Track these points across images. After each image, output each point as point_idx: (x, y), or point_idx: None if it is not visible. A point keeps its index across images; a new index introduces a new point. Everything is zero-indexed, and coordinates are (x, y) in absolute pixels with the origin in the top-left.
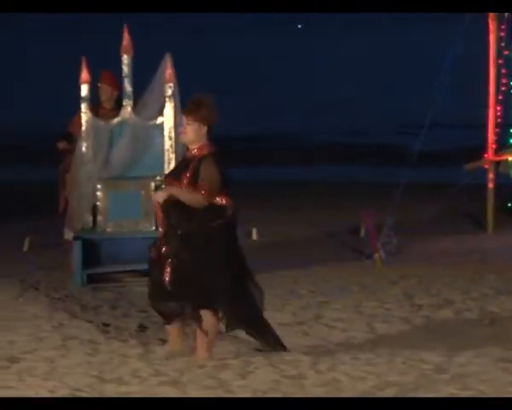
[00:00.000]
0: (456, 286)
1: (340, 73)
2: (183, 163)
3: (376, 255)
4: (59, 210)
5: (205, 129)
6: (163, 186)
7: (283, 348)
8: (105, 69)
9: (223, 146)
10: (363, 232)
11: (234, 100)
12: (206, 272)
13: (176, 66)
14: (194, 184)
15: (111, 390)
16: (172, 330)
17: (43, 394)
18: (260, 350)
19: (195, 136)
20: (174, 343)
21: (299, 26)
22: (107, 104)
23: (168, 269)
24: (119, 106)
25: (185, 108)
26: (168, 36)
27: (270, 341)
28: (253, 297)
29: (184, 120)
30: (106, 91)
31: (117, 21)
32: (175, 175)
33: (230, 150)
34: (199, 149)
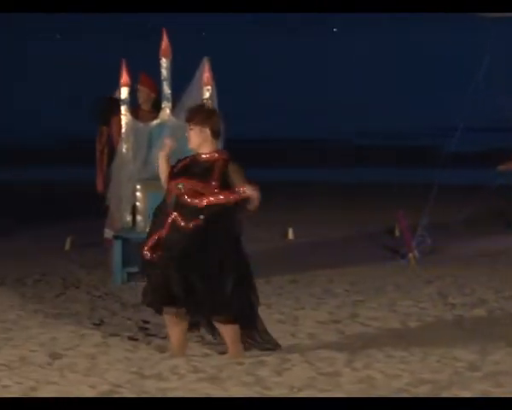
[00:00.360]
0: (489, 285)
1: (368, 74)
2: (194, 165)
3: (411, 255)
4: (97, 188)
5: (207, 132)
6: (179, 185)
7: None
8: (143, 72)
9: (266, 146)
10: (397, 232)
11: (272, 101)
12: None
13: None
14: (224, 188)
15: (150, 386)
16: (177, 333)
17: (84, 389)
18: (289, 350)
19: (199, 139)
20: (177, 347)
21: (335, 30)
22: (146, 106)
23: (188, 271)
24: (156, 108)
25: (187, 117)
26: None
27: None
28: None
29: (188, 127)
30: (144, 94)
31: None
32: (192, 175)
33: (270, 151)
34: (211, 154)
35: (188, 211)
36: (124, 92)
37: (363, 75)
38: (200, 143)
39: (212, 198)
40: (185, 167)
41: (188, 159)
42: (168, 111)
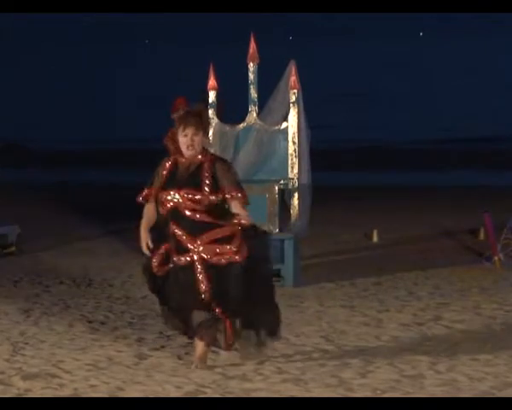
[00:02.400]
0: None
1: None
2: (181, 171)
3: (496, 258)
4: None
5: (203, 135)
6: (171, 196)
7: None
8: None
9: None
10: (482, 235)
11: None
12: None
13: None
14: (216, 190)
15: (235, 387)
16: (200, 342)
17: (170, 389)
18: (377, 351)
19: (201, 147)
20: (201, 356)
21: (421, 34)
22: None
23: (204, 277)
24: None
25: (188, 121)
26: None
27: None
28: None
29: (189, 133)
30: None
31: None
32: (183, 184)
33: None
34: (203, 153)
35: (187, 224)
36: (211, 96)
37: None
38: (200, 149)
39: (208, 220)
40: (171, 175)
41: (168, 164)
42: (255, 115)
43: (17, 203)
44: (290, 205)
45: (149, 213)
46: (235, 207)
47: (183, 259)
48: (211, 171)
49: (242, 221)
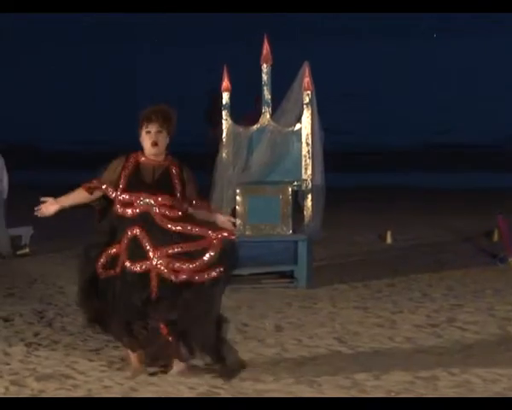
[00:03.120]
0: None
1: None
2: (145, 174)
3: (510, 259)
4: None
5: (168, 135)
6: (143, 200)
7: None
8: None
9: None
10: (496, 236)
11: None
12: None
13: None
14: (185, 194)
15: (248, 388)
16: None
17: (183, 390)
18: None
19: (165, 144)
20: (137, 366)
21: (435, 36)
22: None
23: (156, 284)
24: None
25: (152, 117)
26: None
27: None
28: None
29: (153, 129)
30: None
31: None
32: (151, 188)
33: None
34: (166, 157)
35: (156, 231)
36: (225, 97)
37: None
38: (164, 149)
39: (184, 228)
40: (134, 176)
41: (128, 164)
42: (268, 116)
43: (30, 204)
44: (303, 206)
45: (78, 197)
46: (207, 216)
47: (138, 266)
48: (180, 177)
49: (225, 234)
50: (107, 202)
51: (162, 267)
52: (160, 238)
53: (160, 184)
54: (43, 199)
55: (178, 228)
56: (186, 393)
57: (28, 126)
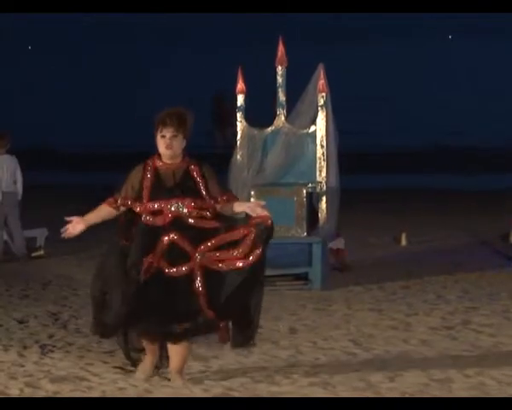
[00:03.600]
0: None
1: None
2: (167, 177)
3: None
4: None
5: (184, 139)
6: (174, 206)
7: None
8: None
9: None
10: None
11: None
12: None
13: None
14: (209, 191)
15: (263, 390)
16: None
17: (197, 392)
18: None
19: (180, 149)
20: (149, 368)
21: (450, 37)
22: None
23: (202, 285)
24: None
25: (167, 121)
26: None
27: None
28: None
29: (168, 134)
30: None
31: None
32: (176, 192)
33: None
34: (183, 159)
35: (191, 232)
36: (239, 99)
37: None
38: (179, 152)
39: (214, 226)
40: (156, 184)
41: (146, 174)
42: (283, 118)
43: (44, 206)
44: (318, 208)
45: (103, 214)
46: (240, 206)
47: (180, 269)
48: (201, 174)
49: (258, 219)
50: (132, 213)
51: (206, 261)
52: (197, 238)
53: (183, 186)
54: (68, 219)
55: (212, 224)
56: (200, 394)
57: (42, 127)
